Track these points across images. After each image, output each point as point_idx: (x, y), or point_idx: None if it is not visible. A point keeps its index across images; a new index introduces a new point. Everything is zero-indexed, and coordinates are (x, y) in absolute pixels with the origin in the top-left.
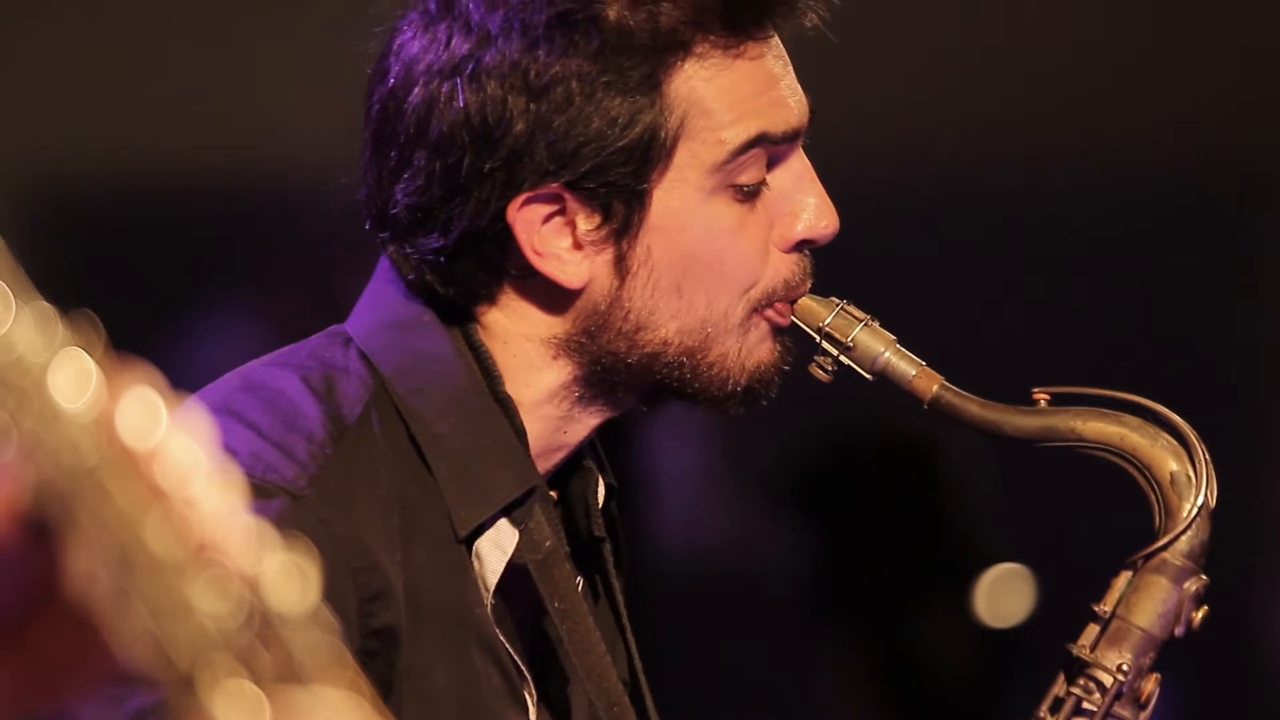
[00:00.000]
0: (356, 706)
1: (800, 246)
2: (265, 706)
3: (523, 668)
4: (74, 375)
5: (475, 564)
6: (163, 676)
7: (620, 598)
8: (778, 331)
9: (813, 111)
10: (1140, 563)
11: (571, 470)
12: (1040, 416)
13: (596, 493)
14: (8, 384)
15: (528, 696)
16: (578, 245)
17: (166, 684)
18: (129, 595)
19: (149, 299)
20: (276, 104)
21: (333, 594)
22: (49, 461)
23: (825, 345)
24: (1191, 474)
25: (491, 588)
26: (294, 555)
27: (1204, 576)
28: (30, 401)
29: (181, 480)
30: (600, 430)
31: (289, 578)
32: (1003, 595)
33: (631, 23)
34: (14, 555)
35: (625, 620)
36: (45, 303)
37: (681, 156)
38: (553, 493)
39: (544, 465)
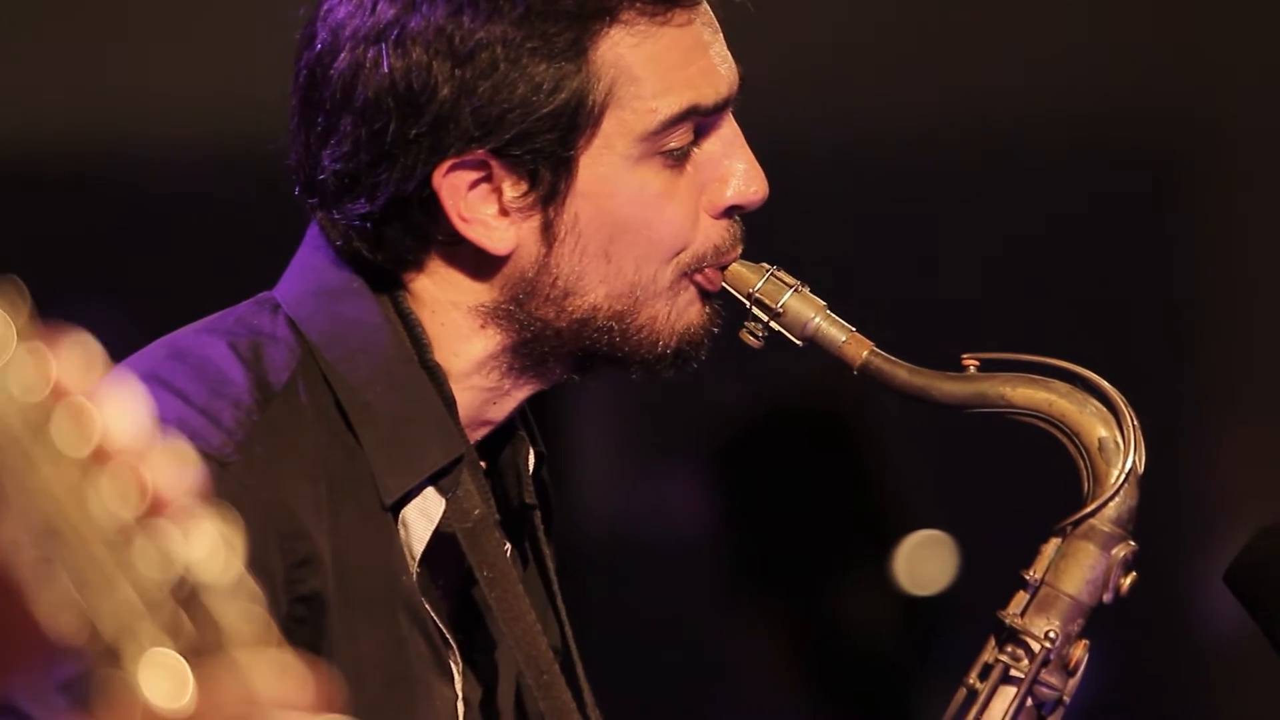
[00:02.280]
0: (281, 675)
1: (730, 212)
2: (189, 677)
3: (448, 636)
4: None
5: (402, 532)
6: (88, 647)
7: (551, 565)
8: (706, 296)
9: (742, 78)
10: (1069, 529)
11: (502, 438)
12: (969, 382)
13: (527, 460)
14: None
15: (453, 665)
16: (504, 212)
17: (91, 654)
18: (54, 565)
19: (76, 269)
20: (205, 69)
21: (259, 560)
22: None
23: (755, 311)
24: (1120, 440)
25: (417, 556)
26: (220, 524)
27: (1132, 543)
28: None
29: (110, 448)
30: (529, 398)
31: (215, 547)
32: (924, 562)
33: None
34: None
35: (556, 588)
36: None
37: (609, 124)
38: (482, 462)
39: (473, 436)
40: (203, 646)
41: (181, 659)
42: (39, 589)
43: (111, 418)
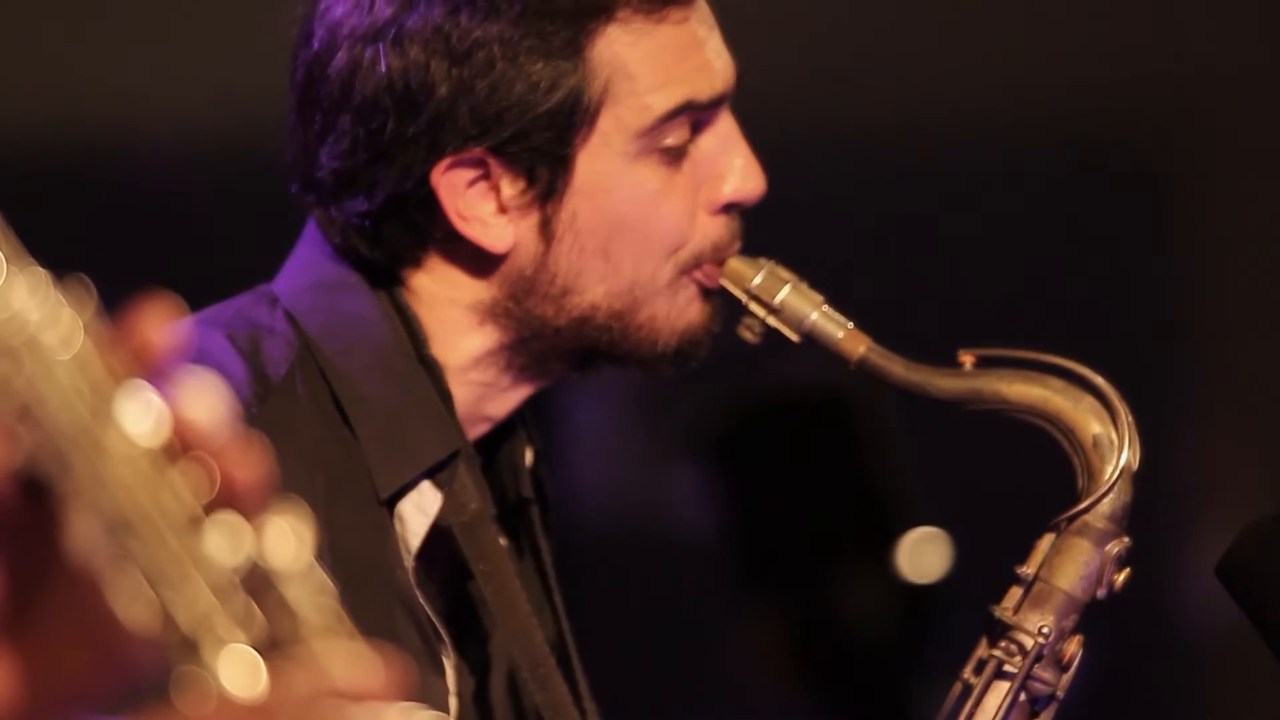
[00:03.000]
0: (355, 665)
1: (728, 209)
2: (264, 668)
3: (441, 631)
4: (69, 335)
5: (397, 526)
6: (164, 640)
7: (548, 560)
8: (706, 293)
9: (739, 74)
10: (1063, 525)
11: (500, 434)
12: (965, 379)
13: (525, 455)
14: (3, 343)
15: (446, 659)
16: (502, 209)
17: (168, 647)
18: (128, 558)
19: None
20: (204, 66)
21: None
22: (46, 421)
23: (753, 306)
24: (1114, 437)
25: (414, 550)
26: (289, 515)
27: (1126, 539)
28: (25, 361)
29: (180, 438)
30: (530, 396)
31: (285, 537)
32: (919, 556)
33: None
34: (13, 516)
35: (553, 583)
36: (39, 267)
37: (606, 121)
38: (480, 458)
39: (471, 432)
40: (276, 638)
41: (256, 651)
42: (114, 583)
43: (181, 408)
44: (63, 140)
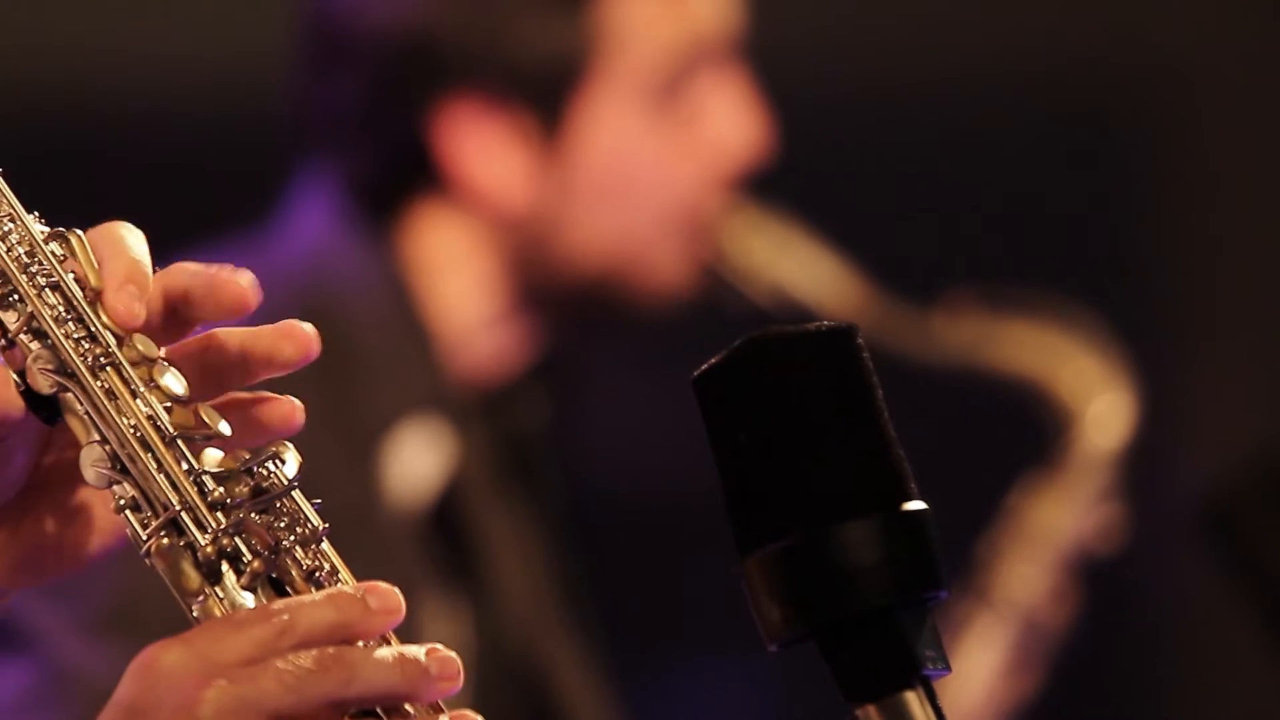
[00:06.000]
0: (366, 601)
1: (727, 164)
2: (282, 575)
3: (429, 581)
4: (83, 269)
5: (392, 475)
6: (185, 574)
7: (552, 513)
8: (698, 247)
9: (741, 29)
10: (1050, 480)
11: (507, 386)
12: (958, 335)
13: (532, 410)
14: (19, 278)
15: (442, 609)
16: (502, 157)
17: (190, 578)
18: (143, 475)
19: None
20: (206, 21)
21: None
22: (59, 347)
23: (738, 267)
24: (1101, 396)
25: (410, 500)
26: (284, 449)
27: (1111, 500)
28: (40, 295)
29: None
30: (537, 350)
31: (285, 453)
32: None
33: None
34: (24, 435)
35: (558, 535)
36: (38, 223)
37: (606, 73)
38: (488, 411)
39: (472, 382)
40: (287, 544)
41: (269, 560)
42: (123, 502)
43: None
44: (52, 102)
